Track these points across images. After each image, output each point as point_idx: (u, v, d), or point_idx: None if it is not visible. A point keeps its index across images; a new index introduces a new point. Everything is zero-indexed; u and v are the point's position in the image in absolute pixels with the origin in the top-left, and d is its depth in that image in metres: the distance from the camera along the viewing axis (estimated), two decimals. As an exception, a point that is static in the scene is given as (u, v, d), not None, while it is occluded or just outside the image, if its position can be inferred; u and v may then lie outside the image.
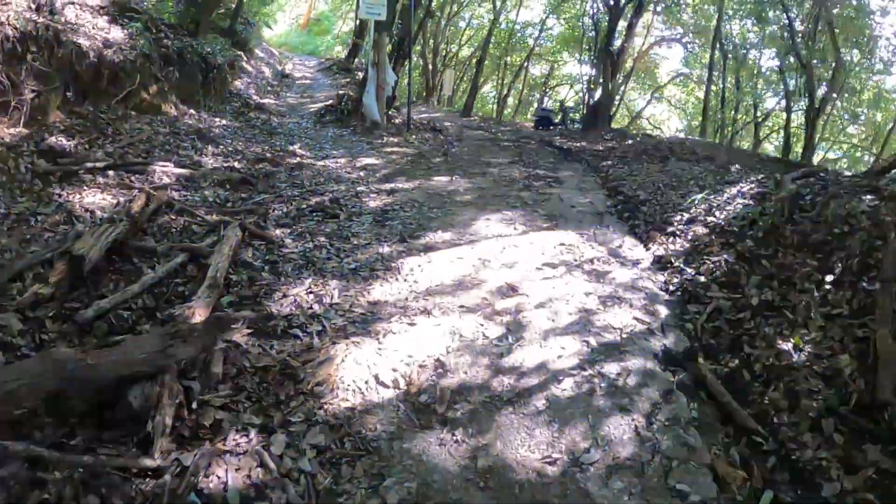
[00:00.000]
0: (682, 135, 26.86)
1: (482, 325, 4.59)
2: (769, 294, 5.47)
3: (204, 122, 10.43)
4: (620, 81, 20.53)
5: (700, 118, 25.06)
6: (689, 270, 6.21)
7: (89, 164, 6.73)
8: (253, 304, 4.60)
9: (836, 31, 18.19)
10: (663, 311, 5.38)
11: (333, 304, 4.70)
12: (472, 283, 5.29)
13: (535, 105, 30.46)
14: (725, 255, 6.36)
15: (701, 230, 7.16)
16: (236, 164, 8.44)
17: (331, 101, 15.20)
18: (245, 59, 19.18)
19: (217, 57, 13.35)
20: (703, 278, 6.03)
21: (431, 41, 27.99)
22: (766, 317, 5.13)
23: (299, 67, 25.82)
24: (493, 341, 4.39)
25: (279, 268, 5.21)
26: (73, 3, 10.05)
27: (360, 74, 22.59)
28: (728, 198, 8.13)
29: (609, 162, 11.74)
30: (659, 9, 21.34)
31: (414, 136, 12.55)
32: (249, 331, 4.22)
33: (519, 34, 27.82)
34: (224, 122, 11.21)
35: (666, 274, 6.21)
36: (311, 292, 4.82)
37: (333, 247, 5.79)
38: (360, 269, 5.36)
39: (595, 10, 20.58)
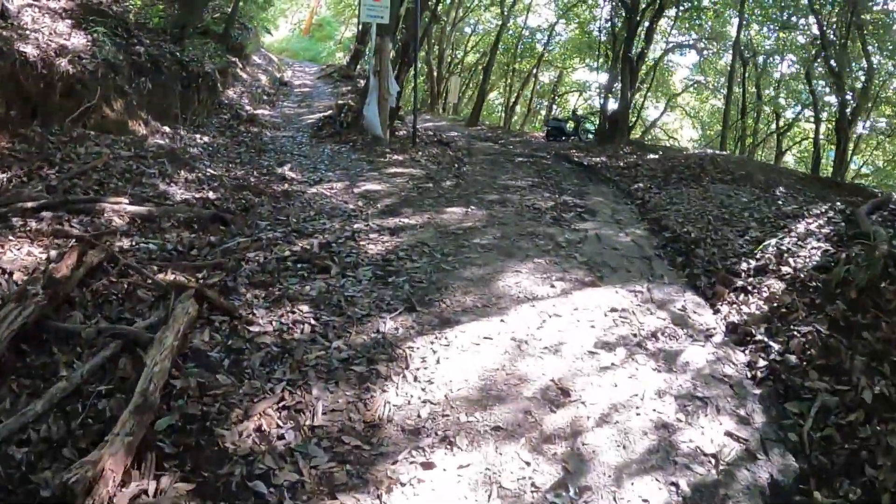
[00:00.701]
0: (693, 145, 25.42)
1: (528, 463, 3.15)
2: (883, 385, 4.09)
3: (180, 140, 9.01)
4: (637, 90, 19.06)
5: (716, 127, 23.63)
6: (774, 346, 4.78)
7: (21, 204, 5.31)
8: (200, 430, 3.15)
9: (866, 37, 16.79)
10: (758, 416, 3.95)
11: (316, 428, 3.26)
12: (508, 382, 3.84)
13: (544, 113, 29.00)
14: (815, 324, 4.95)
15: (776, 284, 5.72)
16: (211, 195, 7.00)
17: (330, 112, 13.76)
18: (240, 66, 17.78)
19: (204, 64, 11.92)
20: (794, 358, 4.62)
21: (436, 47, 26.59)
22: (884, 420, 3.77)
23: (299, 74, 24.40)
24: (548, 496, 2.95)
25: (244, 362, 3.76)
26: (32, 6, 8.65)
27: (362, 82, 21.20)
28: (798, 239, 6.70)
29: (640, 185, 10.29)
30: (674, 12, 19.85)
31: (420, 152, 11.12)
32: (189, 487, 2.78)
33: (527, 40, 26.38)
34: (206, 139, 9.79)
35: (747, 352, 4.78)
36: (284, 407, 3.38)
37: (320, 321, 4.34)
38: (355, 361, 3.91)
39: (611, 15, 19.10)
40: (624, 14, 17.48)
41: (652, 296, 5.47)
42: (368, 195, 8.00)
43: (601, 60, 25.20)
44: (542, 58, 25.88)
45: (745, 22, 19.54)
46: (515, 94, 26.93)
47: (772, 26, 20.56)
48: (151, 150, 7.72)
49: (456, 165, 10.92)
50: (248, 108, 14.19)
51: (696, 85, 25.07)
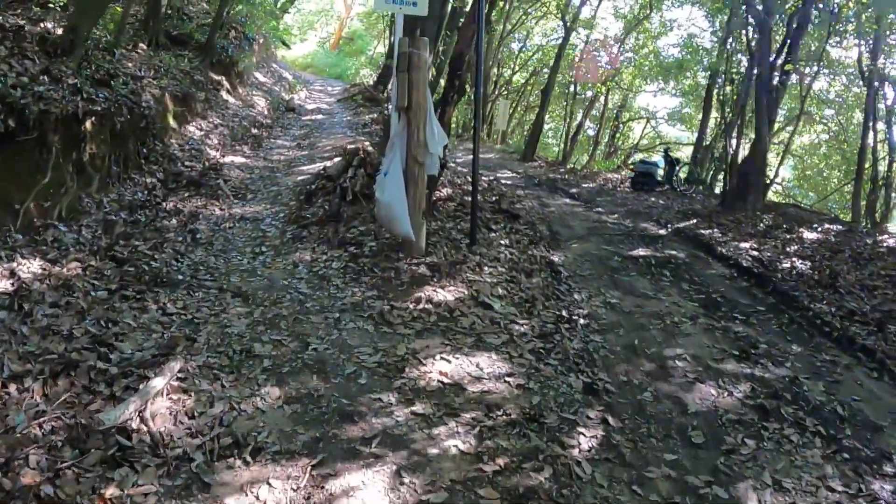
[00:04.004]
0: (808, 200, 19.14)
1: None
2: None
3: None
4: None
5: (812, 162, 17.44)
6: None
7: None
8: None
9: None
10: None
11: None
12: None
13: (605, 144, 23.03)
14: None
15: None
16: None
17: (331, 165, 8.16)
18: (227, 86, 12.29)
19: (140, 91, 6.51)
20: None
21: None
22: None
23: (317, 95, 18.90)
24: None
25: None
26: None
27: (389, 110, 15.56)
28: None
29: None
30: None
31: (483, 268, 5.38)
32: None
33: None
34: (47, 257, 4.27)
35: None
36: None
37: None
38: None
39: (734, 28, 13.08)
40: (754, 24, 11.52)
41: None
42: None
43: (687, 83, 19.26)
44: (614, 78, 19.97)
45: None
46: (576, 123, 21.01)
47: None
48: None
49: (554, 297, 5.18)
50: (210, 154, 8.66)
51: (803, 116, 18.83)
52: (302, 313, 4.20)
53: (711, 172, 14.74)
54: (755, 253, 8.11)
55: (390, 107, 6.00)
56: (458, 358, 3.83)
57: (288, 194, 7.52)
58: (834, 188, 19.58)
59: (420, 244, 5.27)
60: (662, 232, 9.35)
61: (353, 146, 8.97)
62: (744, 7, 12.39)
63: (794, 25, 11.10)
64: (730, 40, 15.77)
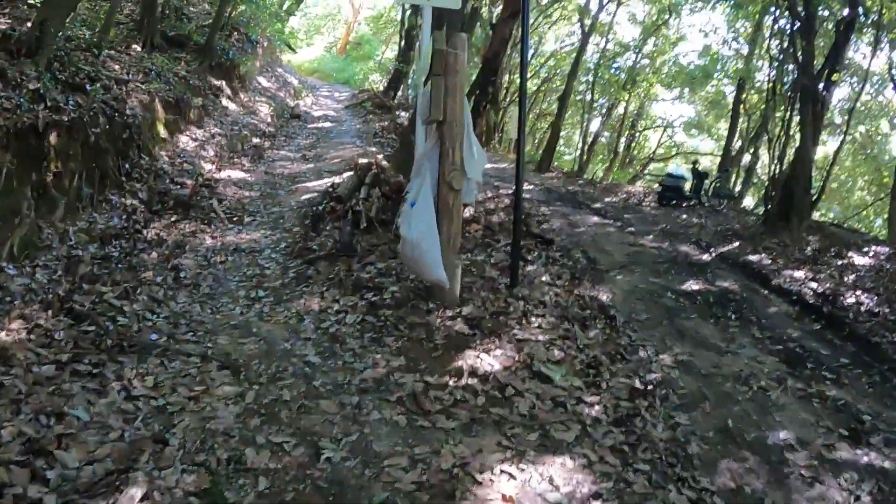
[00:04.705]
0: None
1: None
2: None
3: None
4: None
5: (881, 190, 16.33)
6: None
7: None
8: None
9: None
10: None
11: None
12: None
13: (621, 153, 21.90)
14: None
15: None
16: None
17: (341, 182, 7.14)
18: (227, 92, 11.26)
19: (124, 97, 5.56)
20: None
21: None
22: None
23: (324, 102, 17.86)
24: None
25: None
26: None
27: (403, 115, 14.55)
28: None
29: None
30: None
31: (535, 317, 4.32)
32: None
33: (613, 66, 19.42)
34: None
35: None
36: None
37: None
38: None
39: (774, 29, 12.00)
40: (798, 28, 10.43)
41: None
42: None
43: (714, 91, 18.21)
44: (633, 84, 18.90)
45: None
46: (592, 132, 19.92)
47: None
48: None
49: (618, 357, 4.13)
50: (205, 168, 7.62)
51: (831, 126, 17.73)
52: (310, 396, 3.13)
53: (740, 186, 13.68)
54: (814, 285, 7.14)
55: (416, 118, 4.92)
56: (523, 469, 2.76)
57: (291, 217, 6.46)
58: (861, 202, 18.51)
59: (455, 290, 4.20)
60: (706, 258, 8.32)
61: (364, 160, 7.91)
62: (784, 10, 11.35)
63: (842, 28, 10.04)
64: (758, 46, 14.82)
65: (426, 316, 3.96)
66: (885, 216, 18.18)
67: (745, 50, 17.42)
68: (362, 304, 4.09)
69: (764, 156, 18.00)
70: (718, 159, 20.29)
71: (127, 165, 6.39)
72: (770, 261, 8.19)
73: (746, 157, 16.31)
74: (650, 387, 3.91)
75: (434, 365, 3.51)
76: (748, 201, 14.90)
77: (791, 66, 11.46)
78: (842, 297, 6.65)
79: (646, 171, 22.38)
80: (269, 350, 3.54)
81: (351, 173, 7.70)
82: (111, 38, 8.43)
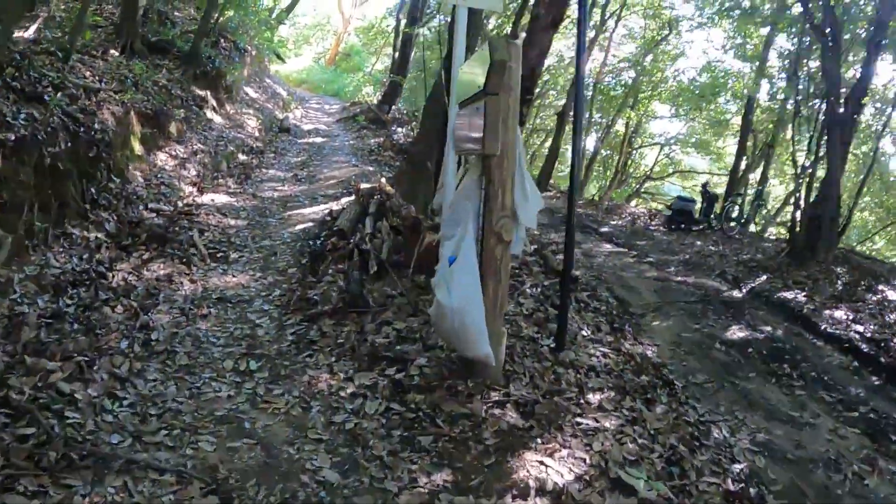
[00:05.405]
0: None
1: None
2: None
3: None
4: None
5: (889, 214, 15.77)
6: None
7: None
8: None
9: None
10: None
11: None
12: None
13: (615, 172, 21.20)
14: None
15: None
16: None
17: (342, 209, 6.28)
18: (212, 103, 10.33)
19: (20, 113, 4.51)
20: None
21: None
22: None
23: (314, 115, 16.96)
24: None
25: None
26: None
27: (400, 132, 13.61)
28: None
29: None
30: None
31: (592, 392, 3.46)
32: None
33: (610, 82, 18.75)
34: None
35: None
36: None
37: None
38: None
39: (798, 45, 11.29)
40: (820, 46, 9.77)
41: None
42: None
43: (717, 109, 17.62)
44: (636, 101, 18.28)
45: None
46: (591, 150, 19.20)
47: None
48: None
49: (695, 443, 3.33)
50: (185, 190, 6.69)
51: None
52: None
53: (747, 208, 12.99)
54: (859, 328, 6.53)
55: (447, 149, 4.05)
56: None
57: (285, 253, 5.54)
58: (861, 222, 17.93)
59: (499, 364, 3.32)
60: (737, 294, 7.69)
61: (366, 185, 7.04)
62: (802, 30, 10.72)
63: (874, 44, 9.39)
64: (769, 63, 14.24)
65: (467, 402, 3.08)
66: (888, 237, 17.72)
67: (746, 69, 17.00)
68: (384, 384, 3.19)
69: (773, 179, 17.45)
70: (718, 178, 19.73)
71: (93, 190, 5.44)
72: (805, 297, 7.58)
73: (752, 177, 15.72)
74: (742, 485, 3.10)
75: (489, 479, 2.63)
76: (754, 225, 14.20)
77: (801, 86, 10.85)
78: (892, 343, 6.05)
79: (642, 189, 21.74)
80: (268, 460, 2.63)
81: (351, 199, 6.83)
82: (86, 41, 7.51)
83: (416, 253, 4.68)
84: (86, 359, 3.16)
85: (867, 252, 14.39)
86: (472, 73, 3.34)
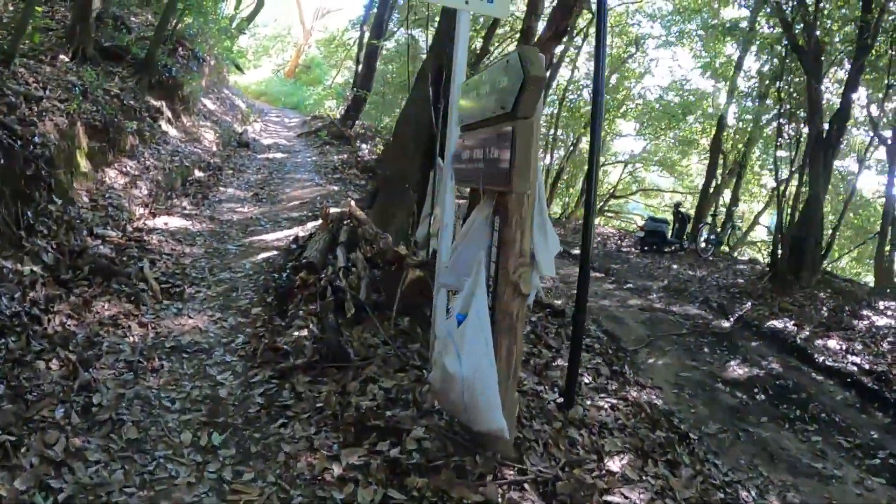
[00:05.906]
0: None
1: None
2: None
3: None
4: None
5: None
6: None
7: None
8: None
9: None
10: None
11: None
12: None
13: (579, 190, 21.08)
14: None
15: None
16: None
17: (307, 237, 5.73)
18: (168, 115, 9.60)
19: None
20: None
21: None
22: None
23: (274, 128, 16.28)
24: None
25: None
26: None
27: (364, 148, 12.99)
28: None
29: None
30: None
31: (608, 457, 3.01)
32: None
33: (572, 97, 18.55)
34: None
35: None
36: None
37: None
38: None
39: (780, 66, 11.19)
40: (802, 69, 9.67)
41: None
42: None
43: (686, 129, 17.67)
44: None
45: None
46: (557, 168, 18.96)
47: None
48: None
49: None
50: (136, 212, 6.01)
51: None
52: None
53: (721, 230, 12.89)
54: (856, 359, 6.32)
55: (444, 181, 3.55)
56: None
57: (247, 288, 4.94)
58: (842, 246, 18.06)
59: (512, 435, 2.83)
60: (726, 324, 7.43)
61: (335, 209, 6.48)
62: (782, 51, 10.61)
63: (854, 72, 9.36)
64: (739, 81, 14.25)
65: (479, 484, 2.58)
66: (851, 255, 17.91)
67: (713, 88, 17.11)
68: (377, 464, 2.66)
69: (742, 200, 17.46)
70: (684, 197, 19.74)
71: (29, 214, 4.76)
72: (795, 326, 7.38)
73: (721, 198, 15.71)
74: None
75: None
76: (726, 247, 14.11)
77: (783, 108, 10.80)
78: (891, 375, 5.87)
79: (606, 207, 21.62)
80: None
81: (318, 224, 6.28)
82: (35, 44, 6.80)
83: (398, 293, 4.17)
84: (11, 438, 2.54)
85: (834, 271, 14.46)
86: (481, 91, 2.87)
